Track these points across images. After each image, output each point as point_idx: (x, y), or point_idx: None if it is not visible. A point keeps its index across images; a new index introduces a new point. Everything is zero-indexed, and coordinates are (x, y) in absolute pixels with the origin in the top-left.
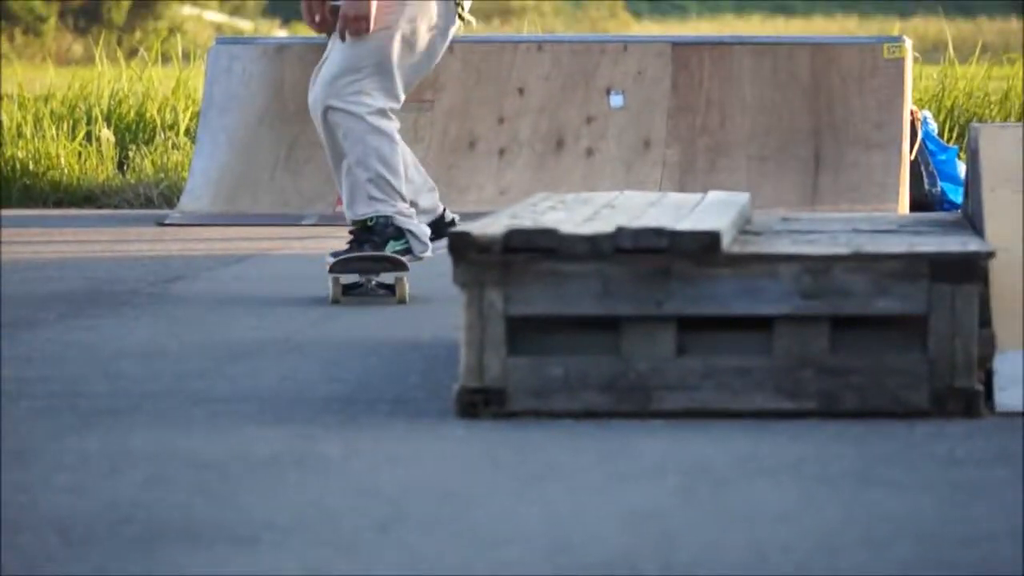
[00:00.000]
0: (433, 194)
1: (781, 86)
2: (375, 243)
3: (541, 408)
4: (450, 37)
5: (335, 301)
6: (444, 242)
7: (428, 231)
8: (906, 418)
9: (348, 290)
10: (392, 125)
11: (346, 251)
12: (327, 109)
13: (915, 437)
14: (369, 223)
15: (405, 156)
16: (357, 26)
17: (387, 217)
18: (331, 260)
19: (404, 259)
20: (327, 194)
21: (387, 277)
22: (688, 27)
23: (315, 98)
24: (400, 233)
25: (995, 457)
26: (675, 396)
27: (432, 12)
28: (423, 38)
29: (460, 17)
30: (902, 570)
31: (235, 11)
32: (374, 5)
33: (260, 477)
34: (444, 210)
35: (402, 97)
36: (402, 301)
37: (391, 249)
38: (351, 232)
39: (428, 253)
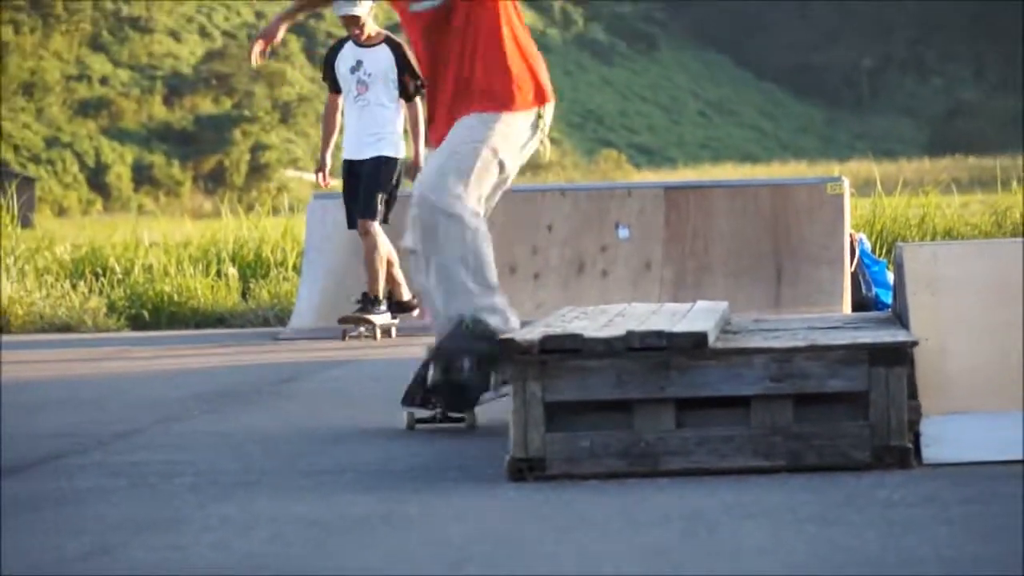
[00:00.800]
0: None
1: (749, 218)
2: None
3: (573, 472)
4: (527, 156)
5: (409, 428)
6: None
7: (516, 319)
8: (854, 471)
9: (420, 422)
10: (484, 225)
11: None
12: (430, 208)
13: (861, 486)
14: (467, 325)
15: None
16: None
17: (478, 318)
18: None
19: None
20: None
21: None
22: (677, 174)
23: (419, 196)
24: (492, 334)
25: (924, 499)
26: (676, 459)
27: (520, 131)
28: (509, 153)
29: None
30: None
31: None
32: None
33: (357, 532)
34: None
35: (485, 206)
36: (472, 427)
37: (479, 351)
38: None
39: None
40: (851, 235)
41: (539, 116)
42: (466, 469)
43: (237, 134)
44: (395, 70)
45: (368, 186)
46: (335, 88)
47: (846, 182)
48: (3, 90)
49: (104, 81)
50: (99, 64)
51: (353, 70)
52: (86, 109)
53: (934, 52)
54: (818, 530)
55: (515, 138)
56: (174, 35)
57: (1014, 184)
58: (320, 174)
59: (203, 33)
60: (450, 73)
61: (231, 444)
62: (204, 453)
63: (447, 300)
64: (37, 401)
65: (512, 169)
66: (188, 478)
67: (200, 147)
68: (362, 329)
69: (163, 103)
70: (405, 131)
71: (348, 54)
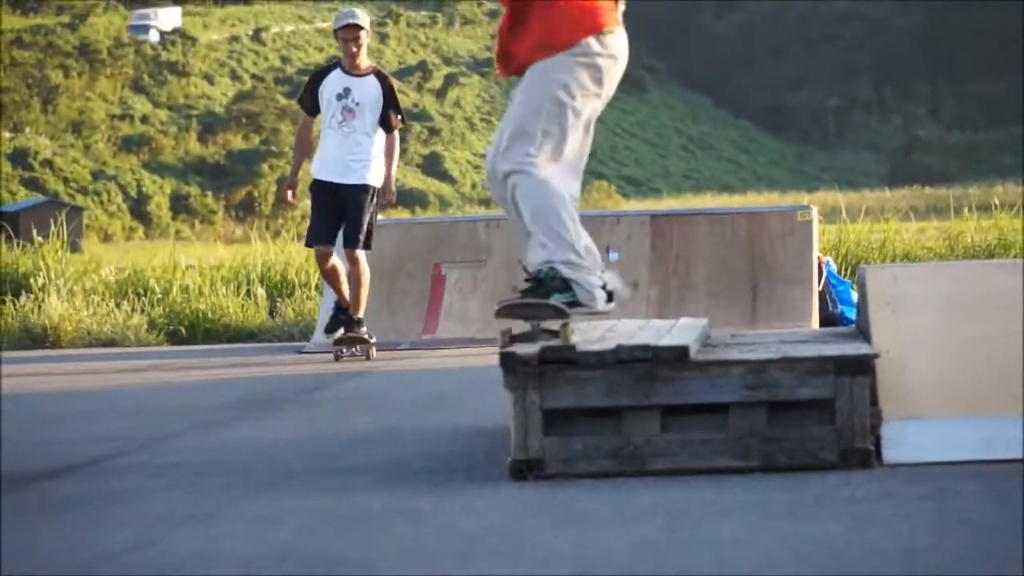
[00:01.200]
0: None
1: (727, 243)
2: (540, 295)
3: (568, 471)
4: (620, 67)
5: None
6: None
7: (597, 283)
8: (821, 471)
9: (516, 339)
10: (557, 181)
11: (514, 299)
12: (503, 176)
13: (828, 484)
14: (539, 275)
15: None
16: None
17: (554, 268)
18: (497, 307)
19: (569, 308)
20: (416, 328)
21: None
22: (661, 203)
23: (491, 168)
24: (566, 285)
25: (884, 496)
26: (661, 460)
27: (594, 59)
28: (578, 94)
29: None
30: (819, 574)
31: None
32: None
33: (375, 525)
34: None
35: (561, 157)
36: (567, 343)
37: (556, 300)
38: (526, 280)
39: (599, 306)
40: (819, 258)
41: (603, 37)
42: (472, 470)
43: (265, 167)
44: (382, 102)
45: (357, 216)
46: (313, 111)
47: (814, 210)
48: (54, 128)
49: (145, 120)
50: (140, 104)
51: (340, 96)
52: (129, 145)
53: (894, 94)
54: (789, 524)
55: (581, 75)
56: (208, 78)
57: (965, 211)
58: (290, 192)
59: (234, 76)
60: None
61: (260, 447)
62: (236, 455)
63: (525, 250)
64: (85, 409)
65: (586, 108)
66: (221, 478)
67: (231, 179)
68: (355, 349)
69: (198, 140)
70: None
71: (335, 80)
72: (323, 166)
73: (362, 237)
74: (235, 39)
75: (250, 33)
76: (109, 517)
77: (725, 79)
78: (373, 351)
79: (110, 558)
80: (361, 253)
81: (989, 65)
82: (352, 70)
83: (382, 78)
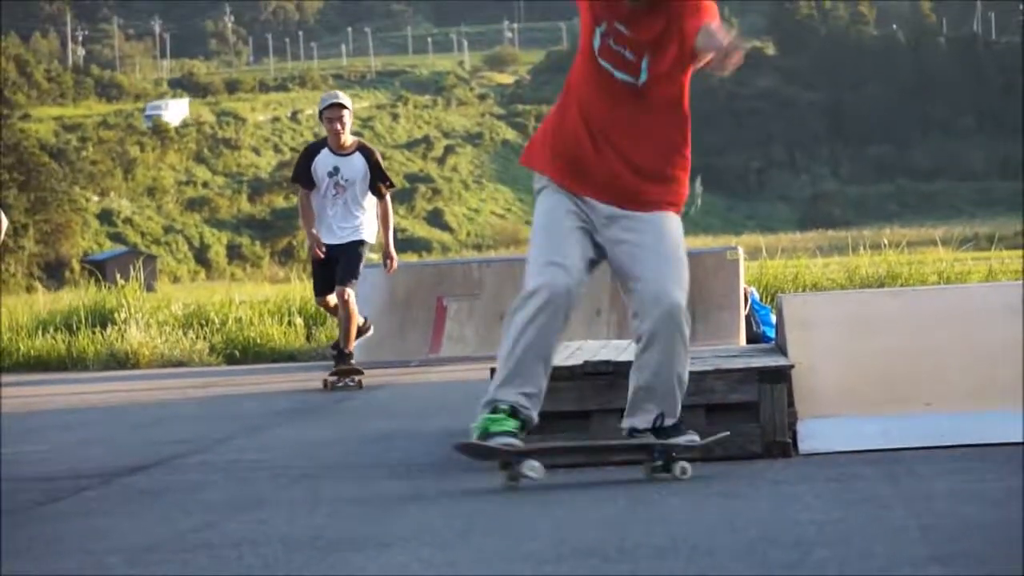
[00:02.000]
0: None
1: None
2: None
3: (548, 463)
4: None
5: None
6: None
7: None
8: (750, 460)
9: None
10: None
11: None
12: (679, 308)
13: (755, 469)
14: (656, 426)
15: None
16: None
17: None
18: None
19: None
20: (423, 348)
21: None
22: None
23: (670, 304)
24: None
25: (800, 479)
26: (621, 453)
27: None
28: None
29: None
30: (750, 544)
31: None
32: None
33: (390, 506)
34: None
35: None
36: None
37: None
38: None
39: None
40: (745, 288)
41: None
42: (470, 462)
43: (302, 222)
44: (369, 175)
45: (350, 261)
46: (309, 185)
47: (740, 250)
48: (133, 192)
49: (205, 185)
50: (201, 172)
51: (331, 174)
52: (193, 205)
53: (803, 156)
54: (725, 502)
55: None
56: (255, 151)
57: (860, 249)
58: (319, 248)
59: (276, 149)
60: (648, 144)
61: (300, 446)
62: (280, 453)
63: (660, 400)
64: (158, 417)
65: None
66: (267, 471)
67: (275, 231)
68: (348, 380)
69: (248, 200)
70: None
71: (325, 159)
72: (322, 232)
73: (355, 280)
74: (276, 119)
75: (288, 114)
76: (177, 504)
77: None
78: (362, 381)
79: (178, 537)
80: (351, 293)
81: (877, 132)
82: (338, 149)
83: (367, 153)
